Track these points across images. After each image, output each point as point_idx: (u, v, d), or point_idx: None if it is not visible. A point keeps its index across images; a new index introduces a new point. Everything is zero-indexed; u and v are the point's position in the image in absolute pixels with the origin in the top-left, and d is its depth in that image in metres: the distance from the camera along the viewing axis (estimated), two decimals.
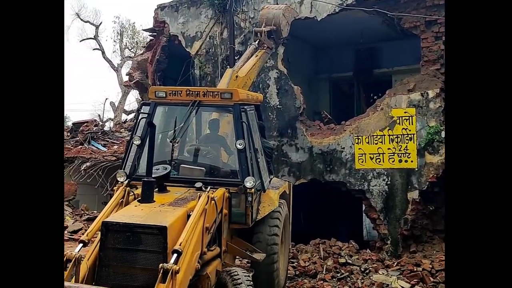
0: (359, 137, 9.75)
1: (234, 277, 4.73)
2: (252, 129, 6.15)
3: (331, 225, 11.46)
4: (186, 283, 4.41)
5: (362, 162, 9.72)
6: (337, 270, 8.54)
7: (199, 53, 11.93)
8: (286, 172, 10.61)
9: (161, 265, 3.97)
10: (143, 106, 6.22)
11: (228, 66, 11.13)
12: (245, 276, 4.79)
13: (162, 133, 6.32)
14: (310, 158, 10.39)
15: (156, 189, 5.33)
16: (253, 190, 5.65)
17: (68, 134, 16.65)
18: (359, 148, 9.75)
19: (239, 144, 5.74)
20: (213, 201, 5.12)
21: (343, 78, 14.36)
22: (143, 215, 4.59)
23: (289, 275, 8.22)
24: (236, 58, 10.93)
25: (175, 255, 4.15)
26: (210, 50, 11.85)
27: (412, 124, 9.29)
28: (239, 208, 5.73)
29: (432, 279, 7.90)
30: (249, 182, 5.60)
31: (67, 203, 13.64)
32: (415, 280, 7.96)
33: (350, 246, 9.50)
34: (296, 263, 8.82)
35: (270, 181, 6.69)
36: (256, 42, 8.68)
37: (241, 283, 4.67)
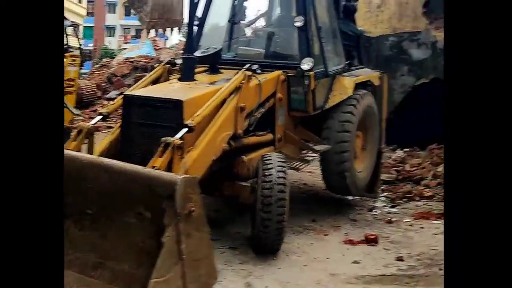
0: None
1: (266, 161, 4.29)
2: (319, 4, 5.35)
3: None
4: (206, 163, 4.11)
5: None
6: None
7: None
8: (405, 72, 9.47)
9: (163, 138, 3.71)
10: None
11: None
12: (278, 160, 4.30)
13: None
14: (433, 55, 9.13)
15: (209, 71, 5.07)
16: (311, 73, 5.00)
17: None
18: None
19: (297, 21, 5.07)
20: (255, 81, 4.65)
21: None
22: (169, 91, 4.36)
23: (389, 179, 7.52)
24: None
25: (184, 129, 3.85)
26: None
27: None
28: (298, 94, 5.16)
29: None
30: (306, 64, 4.96)
31: None
32: None
33: None
34: (401, 167, 7.99)
35: (344, 68, 5.78)
36: None
37: (272, 168, 4.21)
